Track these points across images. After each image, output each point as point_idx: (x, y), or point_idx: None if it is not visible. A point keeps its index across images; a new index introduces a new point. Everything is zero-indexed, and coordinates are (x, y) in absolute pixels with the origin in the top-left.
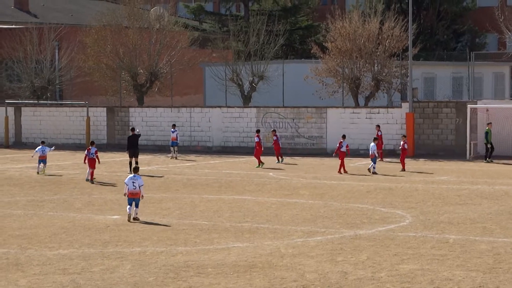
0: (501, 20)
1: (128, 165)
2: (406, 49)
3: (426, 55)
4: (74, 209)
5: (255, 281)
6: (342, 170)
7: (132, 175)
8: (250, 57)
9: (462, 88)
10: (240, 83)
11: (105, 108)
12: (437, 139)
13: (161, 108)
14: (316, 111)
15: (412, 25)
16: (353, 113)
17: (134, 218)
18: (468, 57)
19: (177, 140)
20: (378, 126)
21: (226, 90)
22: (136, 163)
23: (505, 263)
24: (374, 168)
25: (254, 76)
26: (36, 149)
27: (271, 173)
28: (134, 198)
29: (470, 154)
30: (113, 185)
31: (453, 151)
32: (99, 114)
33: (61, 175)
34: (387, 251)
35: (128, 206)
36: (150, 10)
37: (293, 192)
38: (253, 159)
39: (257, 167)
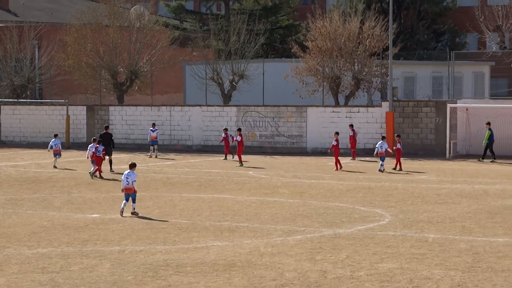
0: (481, 20)
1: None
2: (386, 49)
3: (406, 55)
4: (53, 208)
5: (234, 280)
6: (338, 166)
7: (127, 171)
8: (230, 56)
9: (442, 88)
10: (221, 82)
11: (85, 107)
12: (417, 138)
13: (141, 106)
14: (296, 110)
15: (393, 24)
16: (333, 112)
17: (132, 213)
18: (448, 56)
19: (157, 139)
20: (351, 125)
21: (206, 89)
22: (110, 161)
23: (484, 262)
24: (381, 165)
25: (235, 75)
26: (50, 142)
27: (250, 172)
28: (129, 194)
29: (449, 153)
30: (116, 180)
31: (433, 150)
32: (79, 113)
33: (74, 170)
34: (366, 250)
35: (124, 201)
36: (131, 9)
37: (273, 191)
38: (231, 158)
39: (238, 166)
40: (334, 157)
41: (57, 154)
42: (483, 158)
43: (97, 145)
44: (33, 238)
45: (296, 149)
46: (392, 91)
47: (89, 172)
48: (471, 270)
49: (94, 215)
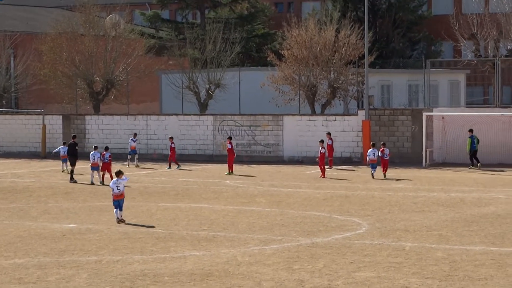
0: (456, 28)
1: (70, 173)
2: (362, 57)
3: (382, 63)
4: (30, 218)
5: None
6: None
7: (115, 179)
8: (206, 65)
9: (418, 96)
10: (197, 90)
11: (61, 116)
12: (393, 146)
13: (117, 115)
14: (273, 119)
15: (368, 33)
16: (310, 120)
17: (120, 220)
18: (423, 65)
19: (135, 149)
20: (328, 134)
21: (182, 98)
22: (71, 171)
23: (461, 271)
24: (374, 170)
25: (211, 84)
26: (58, 148)
27: (227, 181)
28: (119, 200)
29: (426, 161)
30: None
31: (409, 159)
32: (55, 122)
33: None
34: (343, 259)
35: (115, 210)
36: (106, 18)
37: (250, 200)
38: (209, 167)
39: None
40: (319, 165)
41: (64, 159)
42: (476, 165)
43: (104, 152)
44: (9, 248)
45: (273, 158)
46: (368, 99)
47: (100, 182)
48: (448, 279)
49: (71, 225)
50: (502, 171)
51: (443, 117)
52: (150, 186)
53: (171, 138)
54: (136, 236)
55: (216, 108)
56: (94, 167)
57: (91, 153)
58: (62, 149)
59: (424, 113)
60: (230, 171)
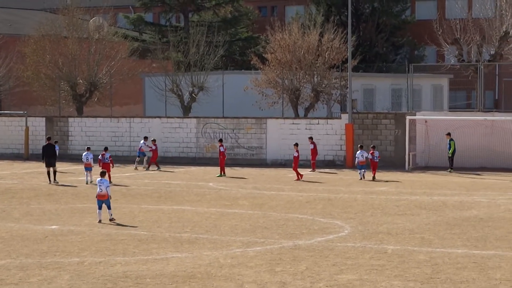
0: (439, 33)
1: (47, 175)
2: (345, 61)
3: (366, 67)
4: (12, 219)
5: None
6: (299, 176)
7: (99, 179)
8: (190, 68)
9: (401, 100)
10: (180, 93)
11: (44, 118)
12: (376, 150)
13: (101, 118)
14: (256, 122)
15: (352, 37)
16: (293, 124)
17: (110, 220)
18: (407, 69)
19: (144, 151)
20: (310, 138)
21: (166, 101)
22: (54, 172)
23: (443, 273)
24: (364, 172)
25: (194, 87)
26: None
27: (210, 184)
28: (103, 200)
29: (409, 165)
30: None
31: (392, 162)
32: (38, 124)
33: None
34: (326, 261)
35: (98, 211)
36: (90, 21)
37: (233, 203)
38: (192, 170)
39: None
40: (293, 168)
41: (88, 168)
42: (450, 168)
43: (104, 152)
44: None
45: (256, 161)
46: (351, 103)
47: (86, 179)
48: (430, 281)
49: (53, 227)
50: (483, 175)
51: (426, 121)
52: (133, 188)
53: (154, 140)
54: (118, 238)
55: (200, 111)
56: (88, 168)
57: (84, 154)
58: (85, 156)
59: (407, 117)
60: (222, 173)
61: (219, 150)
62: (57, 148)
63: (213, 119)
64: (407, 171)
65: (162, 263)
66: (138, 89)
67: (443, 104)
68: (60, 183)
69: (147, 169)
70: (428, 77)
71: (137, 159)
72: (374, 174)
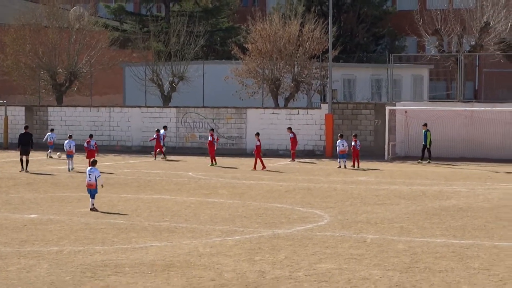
0: (420, 23)
1: (20, 162)
2: (326, 51)
3: (346, 57)
4: None
5: (172, 280)
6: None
7: (89, 167)
8: (170, 58)
9: (381, 90)
10: (160, 83)
11: (23, 107)
12: None
13: (80, 107)
14: (236, 112)
15: (332, 27)
16: (273, 113)
17: (91, 209)
18: (387, 59)
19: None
20: (289, 128)
21: (146, 90)
22: (27, 161)
23: (422, 263)
24: (345, 161)
25: (174, 77)
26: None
27: (190, 173)
28: (91, 189)
29: (388, 154)
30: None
31: (372, 152)
32: (17, 113)
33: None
34: (305, 250)
35: (90, 199)
36: (70, 10)
37: (212, 192)
38: (171, 159)
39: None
40: (259, 158)
41: (70, 155)
42: (423, 159)
43: (89, 139)
44: None
45: (236, 150)
46: (331, 93)
47: (68, 169)
48: (409, 271)
49: (32, 216)
50: (463, 165)
51: (406, 111)
52: (112, 177)
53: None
54: (97, 227)
55: (180, 101)
56: (70, 155)
57: (66, 141)
58: (49, 136)
59: (387, 107)
60: (213, 162)
61: (209, 139)
62: (54, 136)
63: (193, 108)
64: (387, 161)
65: (141, 252)
66: (118, 78)
67: (423, 94)
68: (39, 172)
69: (165, 158)
70: (409, 67)
71: (163, 149)
72: (358, 162)
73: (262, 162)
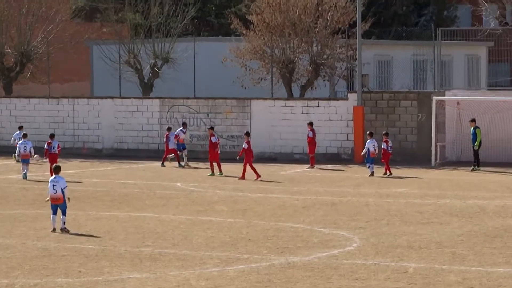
0: None
1: None
2: (353, 24)
3: (380, 33)
4: None
5: None
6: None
7: (52, 176)
8: (151, 34)
9: (426, 75)
10: (139, 67)
11: None
12: (393, 140)
13: (35, 98)
14: (238, 104)
15: None
16: (286, 106)
17: (61, 229)
18: (433, 35)
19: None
20: (310, 124)
21: (120, 76)
22: None
23: None
24: (369, 168)
25: (157, 58)
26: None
27: (178, 183)
28: (57, 205)
29: (436, 159)
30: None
31: (414, 156)
32: None
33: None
34: (328, 283)
35: (52, 216)
36: None
37: (208, 208)
38: (154, 166)
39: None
40: (244, 165)
41: (26, 160)
42: (478, 166)
43: (50, 140)
44: None
45: (238, 154)
46: (361, 79)
47: (23, 174)
48: None
49: None
50: None
51: (458, 103)
52: (78, 190)
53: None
54: (59, 254)
55: (164, 90)
56: (25, 159)
57: (19, 142)
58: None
59: (433, 97)
60: (219, 171)
61: (210, 140)
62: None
63: (181, 100)
64: (434, 167)
65: (116, 286)
66: (84, 61)
67: (481, 80)
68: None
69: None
70: (461, 45)
71: (183, 153)
72: (389, 168)
73: (253, 169)
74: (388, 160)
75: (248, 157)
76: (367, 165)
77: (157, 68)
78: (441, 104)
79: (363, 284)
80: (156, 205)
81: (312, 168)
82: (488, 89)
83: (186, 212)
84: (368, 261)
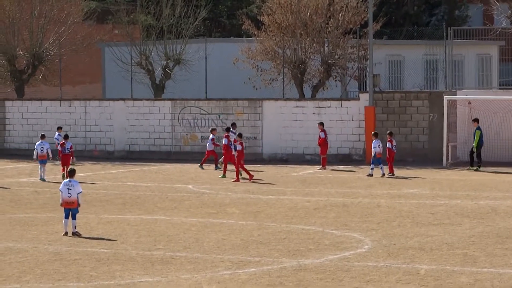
0: None
1: None
2: (365, 25)
3: (391, 32)
4: None
5: None
6: (240, 176)
7: (67, 180)
8: (163, 35)
9: (437, 75)
10: (150, 68)
11: None
12: (405, 140)
13: (47, 101)
14: (249, 105)
15: None
16: (297, 107)
17: (73, 233)
18: (445, 34)
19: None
20: (321, 124)
21: (132, 78)
22: None
23: None
24: (372, 169)
25: (169, 60)
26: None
27: (190, 186)
28: (70, 208)
29: (447, 159)
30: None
31: (426, 156)
32: None
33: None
34: (340, 286)
35: (64, 220)
36: None
37: (219, 210)
38: (166, 168)
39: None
40: (236, 165)
41: (43, 161)
42: (473, 166)
43: (64, 142)
44: None
45: (249, 155)
46: (373, 79)
47: (40, 178)
48: None
49: None
50: None
51: (469, 102)
52: (90, 193)
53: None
54: (71, 258)
55: (176, 91)
56: (43, 160)
57: (37, 143)
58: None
59: (445, 97)
60: (240, 175)
61: (224, 142)
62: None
63: (193, 101)
64: (445, 168)
65: None
66: (96, 62)
67: (492, 79)
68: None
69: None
70: (473, 44)
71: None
72: (392, 168)
73: (246, 170)
74: (393, 159)
75: (239, 158)
76: (373, 166)
77: (169, 69)
78: (452, 104)
79: (375, 286)
80: (167, 208)
81: (324, 169)
82: (500, 88)
83: (198, 215)
84: (379, 263)
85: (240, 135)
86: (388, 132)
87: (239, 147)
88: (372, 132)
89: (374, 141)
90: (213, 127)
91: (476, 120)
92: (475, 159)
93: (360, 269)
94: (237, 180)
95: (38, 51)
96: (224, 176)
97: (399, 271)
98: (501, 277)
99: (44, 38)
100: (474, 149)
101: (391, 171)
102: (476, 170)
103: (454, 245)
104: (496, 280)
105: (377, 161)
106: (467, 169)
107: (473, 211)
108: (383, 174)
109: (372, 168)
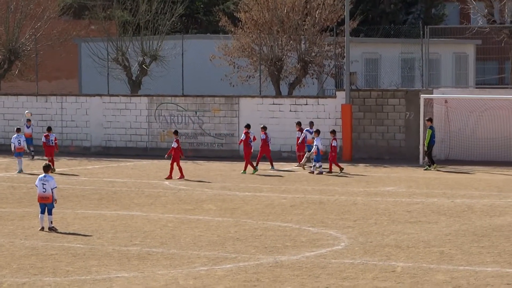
0: None
1: None
2: (342, 22)
3: (368, 30)
4: None
5: None
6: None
7: (42, 175)
8: (139, 31)
9: (414, 73)
10: (127, 64)
11: None
12: (381, 138)
13: (23, 96)
14: (226, 102)
15: None
16: (274, 104)
17: (49, 228)
18: (421, 33)
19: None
20: (298, 124)
21: (108, 74)
22: None
23: None
24: (319, 167)
25: (145, 56)
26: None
27: (167, 182)
28: (45, 204)
29: (424, 158)
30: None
31: (402, 154)
32: None
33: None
34: (316, 282)
35: (40, 215)
36: None
37: (196, 207)
38: (142, 164)
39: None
40: (176, 164)
41: (20, 153)
42: (431, 165)
43: (47, 133)
44: None
45: (226, 152)
46: (349, 77)
47: (18, 171)
48: None
49: None
50: None
51: (446, 101)
52: (66, 188)
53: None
54: (47, 253)
55: (152, 88)
56: (20, 153)
57: (14, 136)
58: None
59: (421, 95)
60: (246, 169)
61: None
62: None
63: (170, 97)
64: (422, 166)
65: (104, 285)
66: (72, 58)
67: (469, 78)
68: None
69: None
70: (449, 43)
71: (307, 154)
72: (337, 164)
73: (180, 169)
74: (335, 157)
75: (177, 156)
76: (316, 164)
77: (145, 65)
78: (429, 102)
79: (351, 283)
80: (144, 204)
81: (300, 166)
82: (476, 87)
83: (174, 211)
84: (356, 260)
85: (176, 132)
86: (331, 130)
87: (175, 144)
88: (315, 130)
89: (316, 138)
90: (263, 125)
91: (430, 120)
92: (425, 159)
93: (336, 266)
94: (181, 176)
95: (14, 46)
96: (245, 171)
97: (376, 268)
98: (477, 275)
99: (21, 33)
100: (425, 148)
101: (339, 167)
102: (426, 170)
103: (430, 243)
104: (472, 278)
105: (320, 157)
106: (424, 169)
107: (449, 209)
108: (312, 172)
109: (317, 166)
